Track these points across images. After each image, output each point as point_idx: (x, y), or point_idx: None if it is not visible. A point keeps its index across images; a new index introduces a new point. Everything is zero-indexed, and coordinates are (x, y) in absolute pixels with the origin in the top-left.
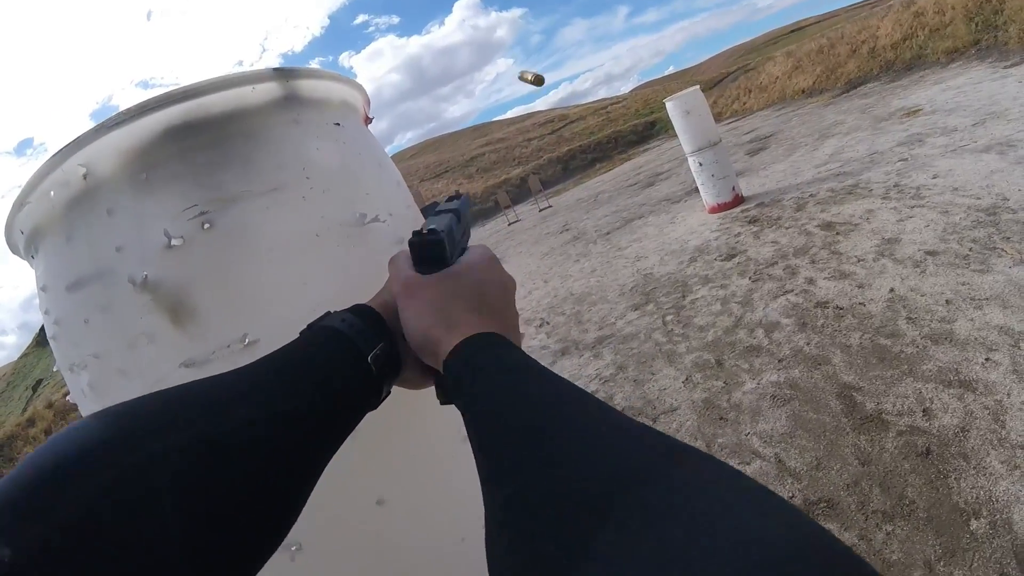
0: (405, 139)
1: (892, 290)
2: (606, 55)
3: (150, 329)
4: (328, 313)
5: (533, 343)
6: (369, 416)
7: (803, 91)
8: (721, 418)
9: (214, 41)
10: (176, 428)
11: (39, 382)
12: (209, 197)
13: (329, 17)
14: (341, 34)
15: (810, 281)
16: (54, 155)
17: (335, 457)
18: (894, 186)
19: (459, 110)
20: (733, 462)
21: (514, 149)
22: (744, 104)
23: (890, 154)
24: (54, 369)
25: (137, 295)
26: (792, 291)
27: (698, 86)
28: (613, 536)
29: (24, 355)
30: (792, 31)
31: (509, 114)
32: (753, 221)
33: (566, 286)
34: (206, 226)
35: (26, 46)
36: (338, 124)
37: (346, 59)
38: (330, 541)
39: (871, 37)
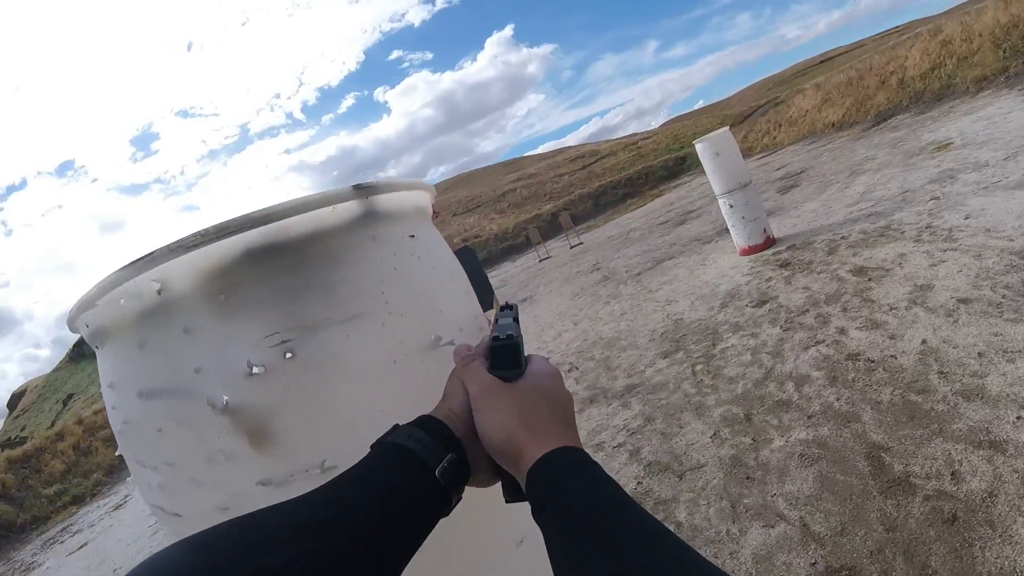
0: (438, 173)
1: (924, 341)
2: (636, 90)
3: (228, 448)
4: (396, 427)
5: None
6: None
7: (833, 124)
8: (748, 477)
9: (252, 73)
10: (258, 556)
11: (70, 396)
12: (291, 324)
13: (364, 52)
14: (376, 69)
15: (841, 331)
16: (125, 267)
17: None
18: (926, 227)
19: (491, 145)
20: (757, 525)
21: (545, 184)
22: (774, 138)
23: (922, 192)
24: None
25: (216, 416)
26: (823, 342)
27: (727, 128)
28: None
29: (56, 369)
30: (821, 62)
31: (540, 149)
32: (784, 265)
33: (596, 329)
34: (288, 355)
35: (71, 72)
36: (412, 236)
37: (381, 93)
38: None
39: (899, 68)
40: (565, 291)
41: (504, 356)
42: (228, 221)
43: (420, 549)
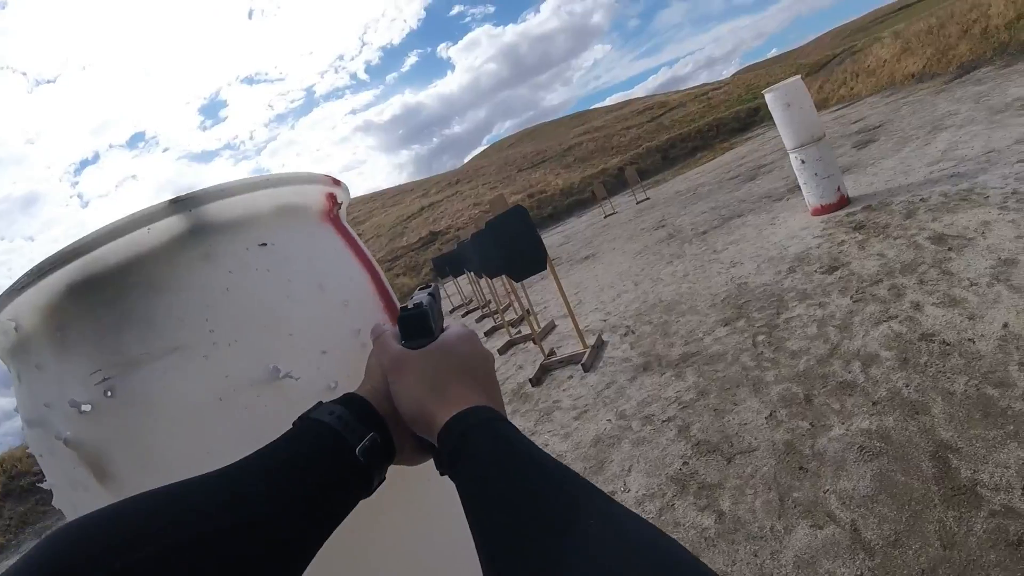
0: (504, 128)
1: (1006, 325)
2: (706, 38)
3: (83, 479)
4: (320, 404)
5: (616, 354)
6: (379, 503)
7: (913, 75)
8: (801, 467)
9: (314, 37)
10: (168, 531)
11: None
12: (112, 361)
13: (425, 9)
14: (437, 26)
15: (916, 306)
16: None
17: (344, 551)
18: (1012, 193)
19: (557, 98)
20: (805, 524)
21: (612, 138)
22: (851, 89)
23: (1008, 153)
24: None
25: (67, 448)
26: (896, 317)
27: (799, 76)
28: None
29: None
30: (899, 8)
31: (608, 101)
32: (859, 227)
33: (656, 291)
34: (108, 393)
35: (135, 46)
36: (265, 244)
37: (444, 50)
38: None
39: (983, 16)
40: (628, 249)
41: (411, 325)
42: (48, 258)
43: (375, 534)
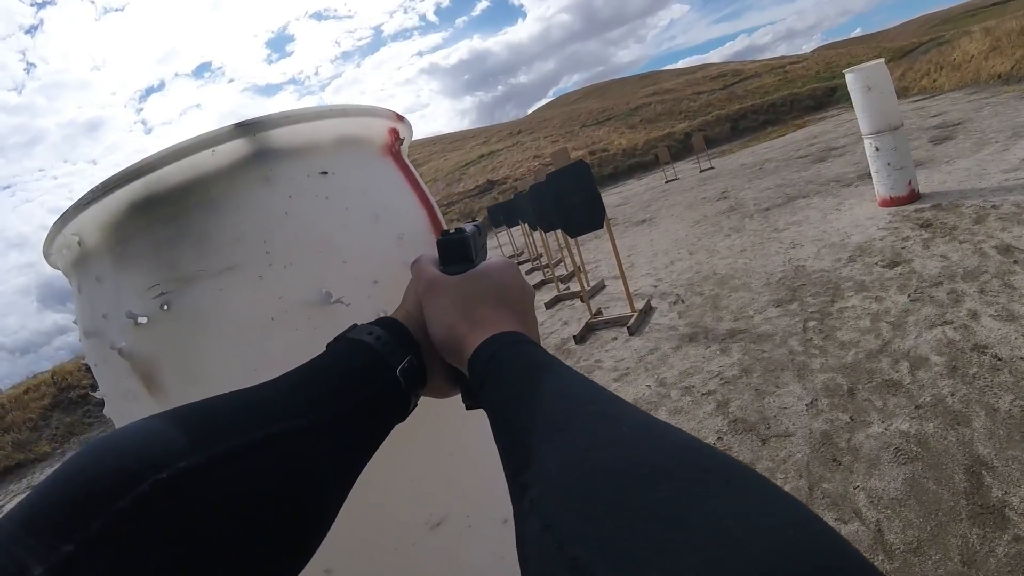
0: (571, 82)
1: None
2: (789, 9)
3: (133, 388)
4: (355, 325)
5: (663, 321)
6: (421, 435)
7: (999, 76)
8: (834, 460)
9: None
10: (225, 437)
11: None
12: (169, 276)
13: None
14: None
15: (973, 315)
16: (55, 221)
17: (386, 482)
18: None
19: (629, 55)
20: (830, 516)
21: (681, 102)
22: (934, 81)
23: None
24: None
25: (121, 358)
26: (952, 323)
27: (883, 60)
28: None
29: None
30: (993, 3)
31: (681, 63)
32: (926, 225)
33: (711, 263)
34: (164, 307)
35: None
36: (325, 173)
37: None
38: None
39: None
40: (686, 217)
41: (451, 250)
42: (112, 176)
43: (419, 468)
